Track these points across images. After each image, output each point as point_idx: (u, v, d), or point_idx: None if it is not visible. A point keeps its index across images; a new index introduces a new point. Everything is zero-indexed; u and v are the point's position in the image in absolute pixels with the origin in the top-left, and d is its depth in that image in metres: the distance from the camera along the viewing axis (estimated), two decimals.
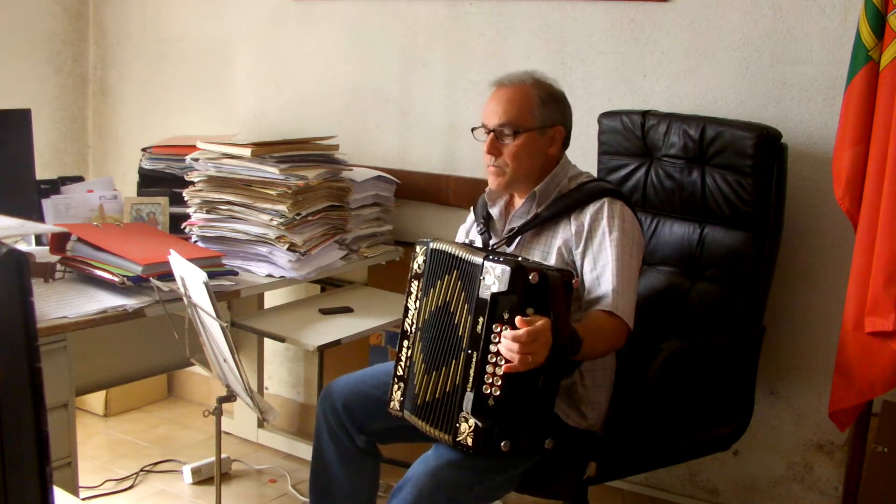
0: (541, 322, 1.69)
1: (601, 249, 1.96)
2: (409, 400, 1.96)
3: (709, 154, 2.22)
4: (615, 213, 1.98)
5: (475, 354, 1.76)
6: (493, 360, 1.74)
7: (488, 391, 1.75)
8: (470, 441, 1.77)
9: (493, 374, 1.74)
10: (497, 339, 1.73)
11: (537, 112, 2.02)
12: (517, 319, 1.69)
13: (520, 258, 1.80)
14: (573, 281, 1.79)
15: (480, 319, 1.76)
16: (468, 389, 1.78)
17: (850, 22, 2.21)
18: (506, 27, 2.75)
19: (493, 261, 1.76)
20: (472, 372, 1.77)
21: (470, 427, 1.77)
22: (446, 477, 1.82)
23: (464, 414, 1.78)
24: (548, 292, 1.74)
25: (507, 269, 1.73)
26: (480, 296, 1.77)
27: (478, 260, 1.80)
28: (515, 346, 1.68)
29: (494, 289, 1.74)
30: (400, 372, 2.00)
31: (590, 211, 1.99)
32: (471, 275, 1.82)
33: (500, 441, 1.77)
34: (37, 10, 3.51)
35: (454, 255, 1.89)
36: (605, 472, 2.05)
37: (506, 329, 1.71)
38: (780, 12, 2.33)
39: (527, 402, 1.77)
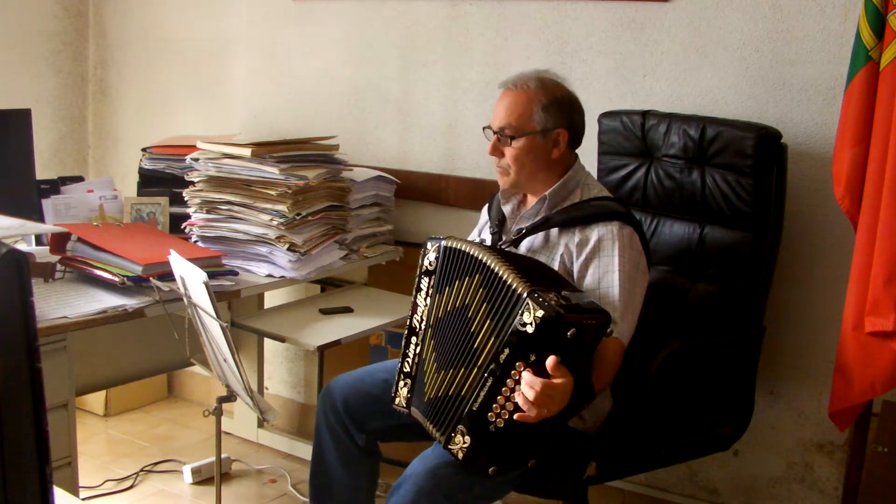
0: (562, 382, 1.65)
1: (606, 272, 1.95)
2: (418, 397, 1.95)
3: (709, 154, 2.22)
4: (625, 238, 1.97)
5: (490, 380, 1.74)
6: (507, 393, 1.72)
7: (493, 419, 1.74)
8: (460, 455, 1.79)
9: (502, 407, 1.73)
10: (517, 376, 1.70)
11: (538, 116, 2.02)
12: (549, 362, 1.64)
13: (562, 303, 1.68)
14: (609, 329, 1.76)
15: (506, 351, 1.71)
16: (473, 408, 1.77)
17: (850, 22, 2.21)
18: (506, 27, 2.75)
19: (537, 300, 1.67)
20: (482, 394, 1.75)
21: (464, 442, 1.78)
22: (446, 475, 1.82)
23: (462, 427, 1.78)
24: (580, 348, 1.70)
25: (548, 317, 1.65)
26: (514, 328, 1.70)
27: (521, 292, 1.71)
28: (532, 394, 1.65)
29: (529, 329, 1.67)
30: (407, 368, 1.99)
31: (599, 229, 1.98)
32: (505, 298, 1.75)
33: (489, 466, 1.78)
34: (37, 10, 3.51)
35: (480, 259, 1.85)
36: (605, 472, 2.05)
37: (527, 371, 1.68)
38: (780, 12, 2.33)
39: (525, 439, 1.76)
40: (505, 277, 1.77)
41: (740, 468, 2.55)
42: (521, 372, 1.69)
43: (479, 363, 1.78)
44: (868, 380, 2.05)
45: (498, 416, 1.74)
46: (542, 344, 1.67)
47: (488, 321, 1.78)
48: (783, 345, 2.42)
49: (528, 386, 1.65)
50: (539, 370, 1.67)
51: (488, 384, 1.74)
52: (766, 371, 2.39)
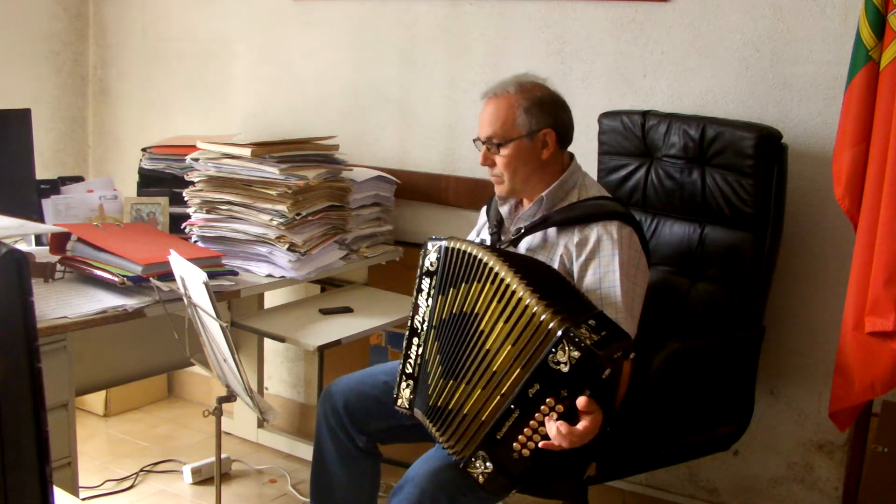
0: (593, 418, 1.65)
1: (607, 273, 1.94)
2: (422, 400, 1.94)
3: (709, 154, 2.22)
4: (625, 238, 1.96)
5: (518, 412, 1.71)
6: (535, 426, 1.70)
7: (518, 448, 1.73)
8: (480, 480, 1.78)
9: (529, 438, 1.72)
10: (546, 410, 1.68)
11: (521, 120, 2.01)
12: (581, 402, 1.64)
13: (595, 338, 1.65)
14: (630, 355, 1.75)
15: (536, 385, 1.68)
16: (497, 436, 1.75)
17: (850, 22, 2.21)
18: (506, 27, 2.75)
19: (572, 339, 1.64)
20: (507, 423, 1.73)
21: (486, 468, 1.76)
22: (449, 477, 1.82)
23: (483, 454, 1.77)
24: (611, 382, 1.68)
25: (585, 359, 1.63)
26: (545, 364, 1.67)
27: (553, 328, 1.67)
28: (566, 431, 1.64)
29: (564, 369, 1.65)
30: (409, 370, 1.98)
31: (598, 229, 1.97)
32: (529, 324, 1.72)
33: (511, 489, 1.79)
34: (37, 10, 3.51)
35: (489, 265, 1.82)
36: (605, 472, 2.06)
37: (559, 406, 1.67)
38: (780, 12, 2.33)
39: (547, 465, 1.75)
40: (525, 299, 1.73)
41: (740, 468, 2.55)
42: (550, 407, 1.68)
43: (504, 391, 1.74)
44: (868, 380, 2.05)
45: (524, 446, 1.72)
46: (575, 382, 1.66)
47: (509, 346, 1.75)
48: (783, 345, 2.42)
49: (559, 434, 1.64)
50: (570, 404, 1.66)
51: (514, 416, 1.72)
52: (766, 371, 2.39)
